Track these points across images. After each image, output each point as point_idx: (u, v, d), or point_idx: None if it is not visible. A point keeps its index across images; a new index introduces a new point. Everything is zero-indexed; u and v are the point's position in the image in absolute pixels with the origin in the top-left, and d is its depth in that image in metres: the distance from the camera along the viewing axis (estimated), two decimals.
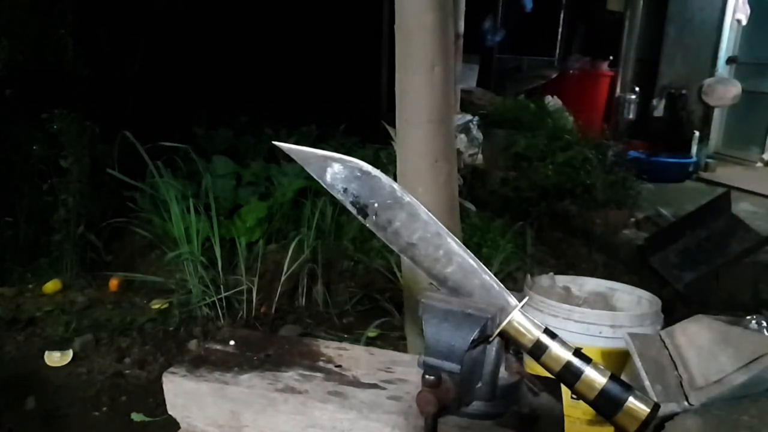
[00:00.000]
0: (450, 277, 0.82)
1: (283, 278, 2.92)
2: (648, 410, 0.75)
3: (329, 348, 1.07)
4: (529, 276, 2.18)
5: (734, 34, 5.64)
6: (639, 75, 6.28)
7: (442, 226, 0.83)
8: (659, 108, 5.97)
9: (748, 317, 1.67)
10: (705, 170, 5.42)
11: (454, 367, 0.74)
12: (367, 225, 0.84)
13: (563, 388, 0.83)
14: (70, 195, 3.28)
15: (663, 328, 1.77)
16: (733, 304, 2.73)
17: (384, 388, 0.93)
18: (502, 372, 0.83)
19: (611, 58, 6.48)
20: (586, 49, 7.00)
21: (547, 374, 0.80)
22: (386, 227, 0.83)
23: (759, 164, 5.42)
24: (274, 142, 0.96)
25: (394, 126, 2.07)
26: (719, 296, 2.91)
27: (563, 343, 0.78)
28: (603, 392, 0.76)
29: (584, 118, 5.30)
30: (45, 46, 3.65)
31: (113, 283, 3.24)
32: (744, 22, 5.44)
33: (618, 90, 6.36)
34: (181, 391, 0.95)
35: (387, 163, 3.31)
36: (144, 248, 3.49)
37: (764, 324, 1.63)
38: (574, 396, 0.79)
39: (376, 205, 0.83)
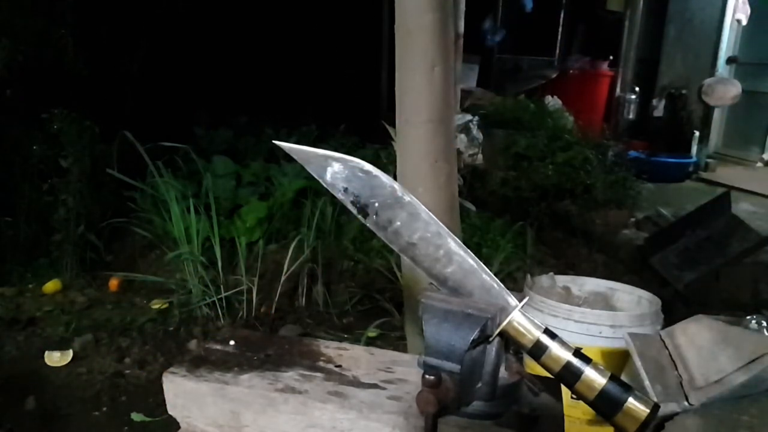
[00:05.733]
0: (450, 277, 0.82)
1: (283, 278, 2.92)
2: (648, 411, 0.75)
3: (329, 348, 1.07)
4: (529, 276, 2.18)
5: (734, 34, 5.63)
6: (639, 75, 6.27)
7: (443, 226, 0.83)
8: (659, 108, 5.96)
9: (748, 317, 1.67)
10: (705, 170, 5.41)
11: (454, 367, 0.74)
12: (368, 225, 0.84)
13: (563, 388, 0.83)
14: (70, 195, 3.28)
15: (663, 328, 1.77)
16: (733, 304, 2.73)
17: (384, 388, 0.93)
18: (502, 372, 0.83)
19: (611, 58, 6.47)
20: (586, 49, 6.99)
21: (547, 374, 0.80)
22: (387, 227, 0.83)
23: (759, 164, 5.41)
24: (274, 142, 0.96)
25: (394, 126, 2.07)
26: (719, 296, 2.91)
27: (563, 344, 0.78)
28: (603, 393, 0.76)
29: (584, 118, 5.29)
30: (45, 46, 3.65)
31: (113, 283, 3.24)
32: (744, 22, 5.43)
33: (618, 90, 6.35)
34: (181, 391, 0.95)
35: (387, 163, 3.31)
36: (144, 248, 3.49)
37: (764, 324, 1.63)
38: (574, 396, 0.79)
39: (376, 204, 0.83)
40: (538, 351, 0.78)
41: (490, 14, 7.18)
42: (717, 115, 5.74)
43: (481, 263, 0.82)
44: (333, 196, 0.85)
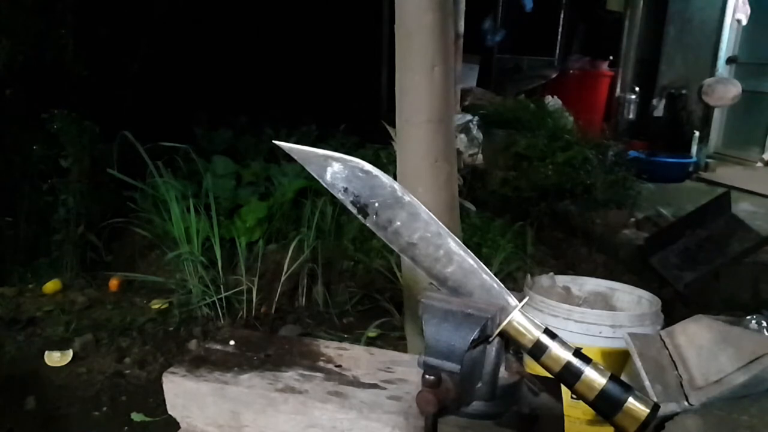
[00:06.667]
0: (450, 277, 0.82)
1: (283, 278, 2.92)
2: (648, 411, 0.75)
3: (329, 348, 1.07)
4: (529, 276, 2.18)
5: (734, 34, 5.63)
6: (639, 75, 6.27)
7: (443, 226, 0.83)
8: (659, 108, 5.96)
9: (748, 317, 1.67)
10: (705, 170, 5.41)
11: (454, 367, 0.74)
12: (368, 224, 0.84)
13: (563, 388, 0.83)
14: (70, 195, 3.28)
15: (663, 328, 1.77)
16: (733, 304, 2.73)
17: (384, 388, 0.93)
18: (502, 372, 0.83)
19: (611, 58, 6.48)
20: (586, 49, 7.00)
21: (547, 374, 0.80)
22: (387, 227, 0.83)
23: (759, 164, 5.41)
24: (274, 142, 0.96)
25: (394, 126, 2.07)
26: (719, 296, 2.91)
27: (563, 344, 0.78)
28: (603, 392, 0.76)
29: (584, 118, 5.30)
30: (45, 46, 3.65)
31: (113, 283, 3.24)
32: (744, 22, 5.43)
33: (618, 90, 6.36)
34: (181, 391, 0.95)
35: (387, 163, 3.31)
36: (144, 248, 3.49)
37: (764, 324, 1.63)
38: (574, 396, 0.79)
39: (376, 204, 0.83)
40: (538, 351, 0.78)
41: (490, 14, 7.19)
42: (717, 115, 5.74)
43: (481, 263, 0.82)
44: (333, 196, 0.85)
